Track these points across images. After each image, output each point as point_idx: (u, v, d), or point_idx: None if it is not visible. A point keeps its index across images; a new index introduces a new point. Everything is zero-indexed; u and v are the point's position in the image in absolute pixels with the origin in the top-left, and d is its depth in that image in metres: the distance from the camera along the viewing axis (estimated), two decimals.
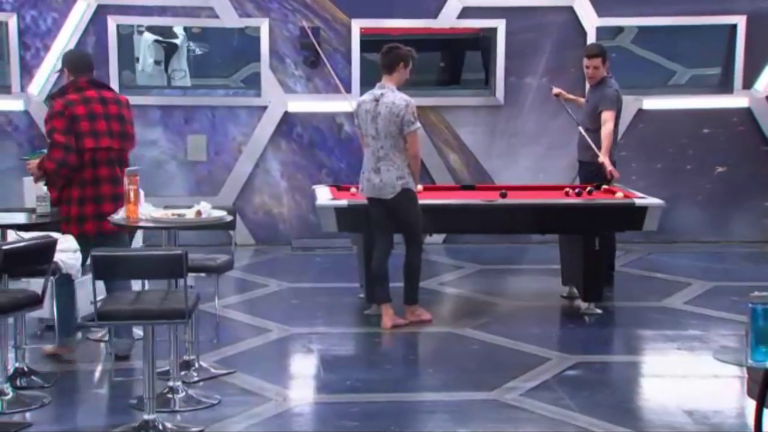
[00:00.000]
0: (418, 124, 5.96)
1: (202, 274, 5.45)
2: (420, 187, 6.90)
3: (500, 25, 8.67)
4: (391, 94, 5.93)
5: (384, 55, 6.02)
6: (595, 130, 7.00)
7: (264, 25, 8.57)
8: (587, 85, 7.35)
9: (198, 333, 5.26)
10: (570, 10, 8.69)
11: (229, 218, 5.24)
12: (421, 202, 6.35)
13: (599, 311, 6.43)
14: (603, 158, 6.88)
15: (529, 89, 8.78)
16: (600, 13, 8.68)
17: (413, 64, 6.07)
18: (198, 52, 9.73)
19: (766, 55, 8.73)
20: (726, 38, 8.89)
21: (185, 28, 9.33)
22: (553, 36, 8.73)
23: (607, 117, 6.94)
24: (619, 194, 6.56)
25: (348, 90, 8.59)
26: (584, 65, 7.06)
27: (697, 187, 8.83)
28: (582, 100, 7.35)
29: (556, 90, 7.42)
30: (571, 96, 7.45)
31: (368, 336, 6.07)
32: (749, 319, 4.61)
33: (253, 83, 8.89)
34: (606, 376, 5.32)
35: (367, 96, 6.06)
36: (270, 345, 5.86)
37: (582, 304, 6.53)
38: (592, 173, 7.01)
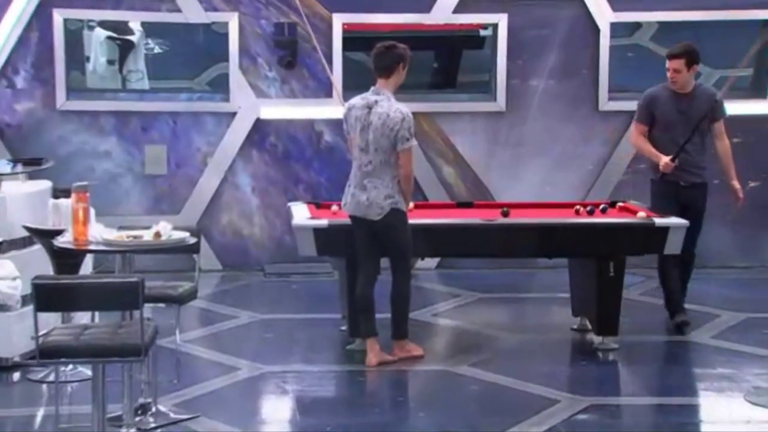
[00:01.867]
0: (414, 141, 5.93)
1: (161, 305, 5.44)
2: (411, 204, 6.91)
3: (501, 20, 8.72)
4: (386, 104, 5.90)
5: (379, 56, 5.97)
6: (701, 143, 6.76)
7: (233, 21, 8.59)
8: (662, 93, 6.80)
9: (156, 372, 5.24)
10: (581, 3, 8.75)
11: (193, 240, 5.23)
12: (411, 221, 6.32)
13: (615, 346, 6.44)
14: (735, 181, 6.85)
15: (534, 93, 8.83)
16: (615, 6, 8.74)
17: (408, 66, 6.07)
18: (157, 50, 9.73)
19: None
20: (758, 36, 8.95)
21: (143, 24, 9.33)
22: (561, 33, 8.78)
23: (723, 128, 6.83)
24: (641, 213, 6.58)
25: (328, 94, 8.62)
26: (666, 67, 6.76)
27: (727, 204, 8.85)
28: (654, 152, 6.77)
29: (665, 163, 6.67)
30: (664, 158, 6.72)
31: (351, 375, 6.06)
32: None
33: (221, 86, 8.89)
34: (622, 420, 5.32)
35: (359, 101, 6.02)
36: (239, 385, 5.85)
37: (595, 338, 6.54)
38: (701, 197, 6.79)
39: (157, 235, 5.08)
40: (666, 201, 6.71)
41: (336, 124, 8.73)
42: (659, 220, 6.37)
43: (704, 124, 6.72)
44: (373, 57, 6.01)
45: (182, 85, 9.44)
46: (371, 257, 6.08)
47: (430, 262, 8.66)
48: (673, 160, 6.63)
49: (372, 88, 6.00)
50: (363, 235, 6.04)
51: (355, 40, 8.87)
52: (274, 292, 8.18)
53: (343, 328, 6.70)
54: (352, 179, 6.05)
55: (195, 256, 5.61)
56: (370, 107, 5.92)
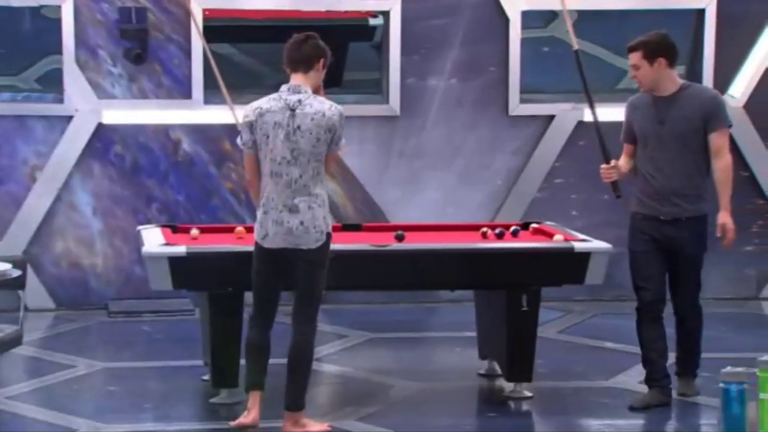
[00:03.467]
0: (344, 140, 5.88)
1: None
2: None
3: (394, 7, 8.82)
4: (315, 102, 5.74)
5: (297, 47, 5.80)
6: (691, 161, 6.29)
7: (67, 4, 8.50)
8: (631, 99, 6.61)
9: None
10: None
11: (16, 273, 5.16)
12: None
13: (529, 394, 6.53)
14: (725, 214, 6.25)
15: (434, 94, 8.94)
16: None
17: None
18: None
19: (745, 50, 9.12)
20: (692, 27, 9.24)
21: None
22: (464, 23, 8.92)
23: (725, 141, 6.29)
24: (558, 236, 6.71)
25: (186, 95, 8.58)
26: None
27: None
28: (617, 163, 6.47)
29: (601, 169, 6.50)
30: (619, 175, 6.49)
31: None
32: (721, 403, 4.76)
33: (53, 84, 8.79)
34: None
35: (274, 102, 5.77)
36: None
37: (506, 385, 6.62)
38: (691, 237, 6.32)
39: None
40: (636, 239, 6.45)
41: (196, 131, 8.72)
42: (579, 245, 6.50)
43: (691, 136, 6.27)
44: (289, 49, 5.83)
45: (3, 82, 9.29)
46: (276, 296, 5.92)
47: None
48: (607, 162, 6.43)
49: (285, 86, 5.82)
50: (275, 269, 5.82)
51: (218, 29, 8.85)
52: (120, 334, 8.09)
53: (206, 377, 6.66)
54: (270, 202, 5.74)
55: (20, 292, 5.54)
56: (293, 109, 5.71)
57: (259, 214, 5.81)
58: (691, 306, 6.48)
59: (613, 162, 6.47)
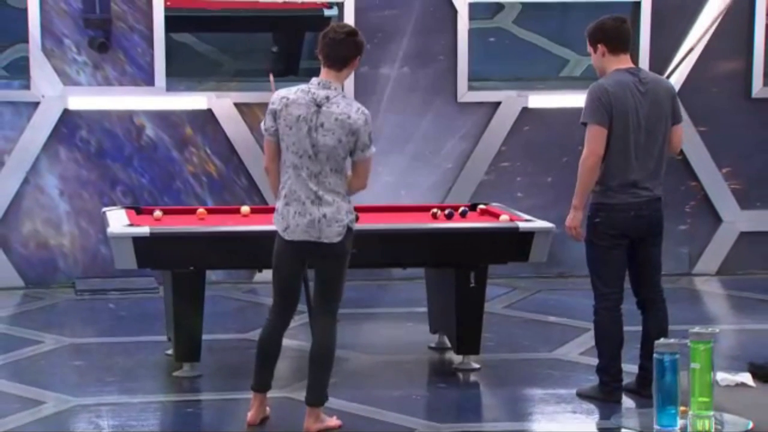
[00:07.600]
0: (374, 148, 5.58)
1: None
2: (247, 209, 6.95)
3: None
4: (342, 102, 5.40)
5: (337, 43, 5.42)
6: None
7: None
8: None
9: None
10: None
11: None
12: (247, 228, 6.36)
13: (477, 366, 6.60)
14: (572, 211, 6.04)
15: (386, 82, 8.96)
16: None
17: None
18: None
19: (679, 39, 9.21)
20: (628, 18, 9.31)
21: None
22: (415, 14, 8.93)
23: (586, 136, 5.93)
24: (504, 217, 6.76)
25: (149, 82, 8.54)
26: None
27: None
28: None
29: None
30: None
31: (178, 405, 6.06)
32: (655, 372, 4.83)
33: (20, 71, 8.73)
34: None
35: (301, 94, 5.42)
36: (44, 422, 5.75)
37: (455, 358, 6.68)
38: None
39: None
40: None
41: (159, 117, 8.68)
42: (523, 225, 6.56)
43: None
44: (327, 43, 5.42)
45: None
46: (297, 290, 5.70)
47: (268, 275, 8.65)
48: None
49: (315, 79, 5.45)
50: (297, 262, 5.62)
51: (179, 19, 8.82)
52: (86, 311, 8.06)
53: (169, 352, 6.67)
54: (293, 193, 5.43)
55: None
56: (319, 105, 5.37)
57: (279, 205, 5.50)
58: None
59: None
